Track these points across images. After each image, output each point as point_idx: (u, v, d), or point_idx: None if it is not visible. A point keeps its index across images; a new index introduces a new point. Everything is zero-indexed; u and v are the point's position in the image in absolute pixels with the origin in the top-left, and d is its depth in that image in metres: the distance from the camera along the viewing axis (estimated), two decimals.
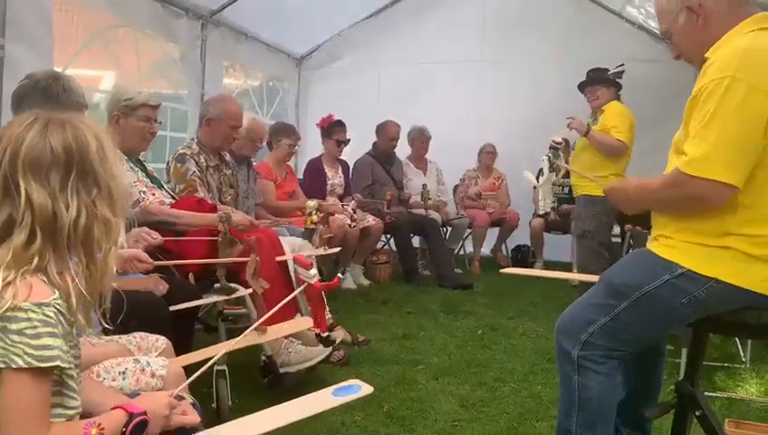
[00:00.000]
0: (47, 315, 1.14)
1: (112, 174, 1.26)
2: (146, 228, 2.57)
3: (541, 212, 2.58)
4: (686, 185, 1.72)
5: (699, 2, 1.82)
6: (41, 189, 1.18)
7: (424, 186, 6.04)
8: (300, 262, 1.85)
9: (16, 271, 1.15)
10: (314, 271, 1.83)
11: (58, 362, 1.14)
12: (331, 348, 3.28)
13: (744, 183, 1.69)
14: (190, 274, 2.76)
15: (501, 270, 2.82)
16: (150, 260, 2.21)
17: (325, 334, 1.96)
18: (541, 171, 2.53)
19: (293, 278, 3.40)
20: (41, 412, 1.14)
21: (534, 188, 2.56)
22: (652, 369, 2.21)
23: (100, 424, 1.22)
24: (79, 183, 1.21)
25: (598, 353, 1.92)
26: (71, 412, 1.22)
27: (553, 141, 2.56)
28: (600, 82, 4.57)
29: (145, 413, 1.28)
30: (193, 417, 1.43)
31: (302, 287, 1.87)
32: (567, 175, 5.64)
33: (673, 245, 1.84)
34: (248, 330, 2.00)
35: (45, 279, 1.18)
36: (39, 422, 1.13)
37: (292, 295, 1.89)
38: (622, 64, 4.66)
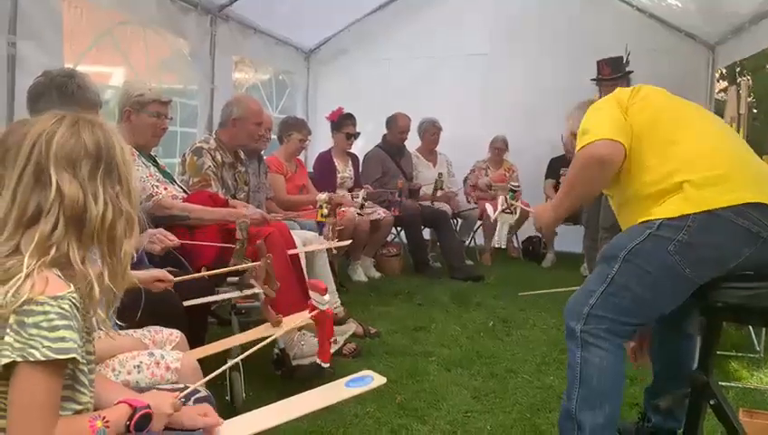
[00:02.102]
0: (63, 308, 1.15)
1: (130, 174, 1.30)
2: (162, 229, 2.58)
3: (495, 245, 2.68)
4: (582, 154, 2.01)
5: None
6: (73, 181, 1.22)
7: (439, 175, 6.02)
8: (314, 287, 1.85)
9: (37, 261, 1.17)
10: (328, 297, 1.83)
11: (74, 355, 1.15)
12: (343, 340, 3.31)
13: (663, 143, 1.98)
14: (203, 268, 2.77)
15: (520, 294, 2.90)
16: (172, 278, 2.21)
17: (326, 365, 1.96)
18: (498, 207, 2.66)
19: (305, 272, 3.42)
20: (52, 406, 1.16)
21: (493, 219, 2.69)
22: (678, 354, 2.22)
23: (104, 417, 1.23)
24: (105, 178, 1.25)
25: (602, 328, 1.94)
26: (80, 407, 1.24)
27: (512, 185, 2.70)
28: (624, 76, 4.60)
29: (149, 407, 1.30)
30: (215, 419, 1.44)
31: (313, 313, 1.86)
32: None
33: (641, 212, 1.97)
34: (264, 342, 2.00)
35: (59, 274, 1.19)
36: (49, 416, 1.15)
37: (311, 314, 1.89)
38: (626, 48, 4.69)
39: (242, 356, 1.81)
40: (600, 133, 1.98)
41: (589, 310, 1.95)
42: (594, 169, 2.01)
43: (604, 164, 1.98)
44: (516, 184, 2.76)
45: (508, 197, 2.63)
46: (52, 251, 1.19)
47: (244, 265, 2.66)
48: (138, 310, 2.00)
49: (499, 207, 2.60)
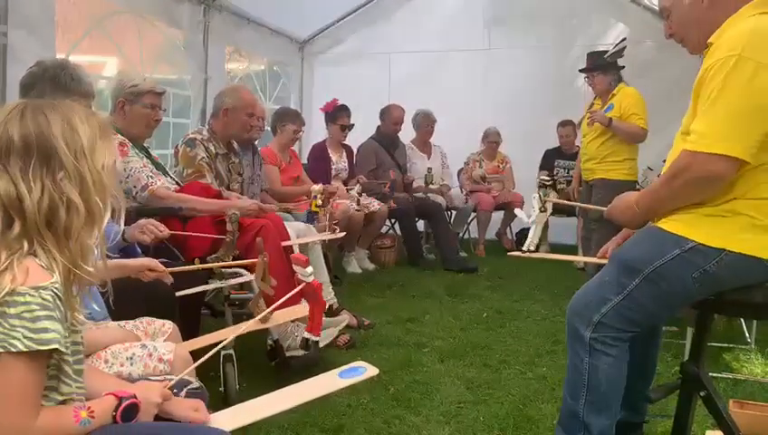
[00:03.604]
0: (44, 299, 1.15)
1: (83, 157, 1.24)
2: (153, 220, 2.57)
3: (524, 248, 2.51)
4: (694, 165, 1.73)
5: None
6: (3, 174, 1.19)
7: (429, 169, 6.02)
8: (296, 260, 1.85)
9: (8, 255, 1.16)
10: (311, 269, 1.83)
11: (56, 346, 1.15)
12: (337, 331, 3.32)
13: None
14: (196, 259, 2.77)
15: (508, 253, 2.78)
16: (163, 268, 2.20)
17: (316, 339, 1.92)
18: (533, 208, 2.49)
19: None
20: (34, 396, 1.15)
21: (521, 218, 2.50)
22: (648, 348, 2.21)
23: (89, 407, 1.23)
24: (42, 168, 1.21)
25: (610, 335, 1.92)
26: (62, 398, 1.24)
27: (542, 180, 2.52)
28: (596, 69, 4.57)
29: (135, 397, 1.30)
30: (204, 416, 1.44)
31: (302, 286, 1.86)
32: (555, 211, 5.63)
33: (678, 218, 1.85)
34: (257, 318, 2.01)
35: (42, 263, 1.18)
36: (30, 407, 1.14)
37: (295, 291, 1.89)
38: (623, 40, 4.63)
39: (230, 338, 1.80)
40: (723, 143, 1.67)
41: (600, 318, 1.92)
42: (706, 187, 1.76)
43: (716, 183, 1.73)
44: (546, 178, 2.59)
45: (541, 193, 2.45)
46: (26, 244, 1.18)
47: (241, 263, 2.66)
48: (131, 302, 2.01)
49: (535, 207, 2.45)
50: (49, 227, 1.20)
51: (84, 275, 1.24)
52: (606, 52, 4.64)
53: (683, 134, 1.85)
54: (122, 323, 1.98)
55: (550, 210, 2.47)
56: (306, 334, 1.85)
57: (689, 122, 1.81)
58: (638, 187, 4.47)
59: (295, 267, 1.85)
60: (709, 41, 1.82)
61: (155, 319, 2.05)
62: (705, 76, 1.75)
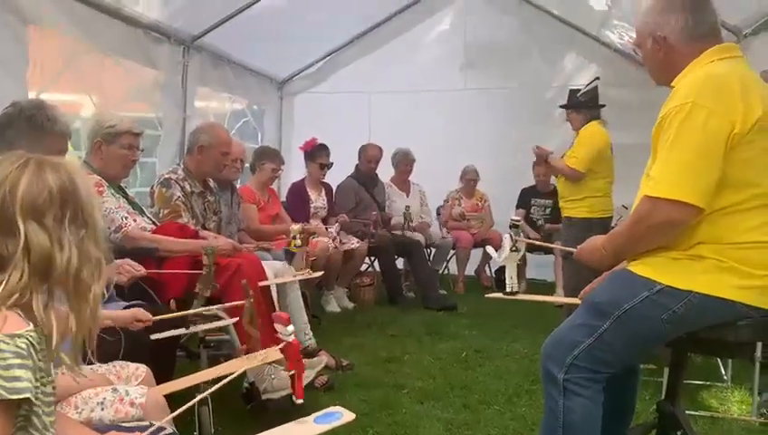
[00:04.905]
0: (19, 347, 1.12)
1: (96, 214, 1.27)
2: (129, 260, 2.55)
3: (508, 290, 2.52)
4: (654, 211, 1.78)
5: (664, 36, 1.94)
6: (40, 231, 1.19)
7: (407, 207, 6.06)
8: (278, 319, 1.83)
9: None
10: (291, 328, 1.81)
11: (28, 395, 1.12)
12: (314, 373, 3.27)
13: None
14: (171, 300, 2.74)
15: (486, 295, 2.79)
16: (150, 316, 2.18)
17: (299, 401, 1.88)
18: (503, 248, 2.51)
19: (276, 304, 3.39)
20: None
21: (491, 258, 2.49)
22: (626, 388, 2.21)
23: None
24: (72, 224, 1.22)
25: (583, 377, 1.93)
26: None
27: (512, 220, 2.55)
28: (569, 108, 4.68)
29: None
30: None
31: (282, 345, 1.85)
32: (530, 249, 5.66)
33: (647, 261, 1.89)
34: (233, 376, 1.97)
35: (21, 313, 1.17)
36: None
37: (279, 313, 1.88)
38: (596, 79, 4.72)
39: (210, 391, 1.77)
40: (680, 190, 1.74)
41: (572, 360, 1.93)
42: (665, 233, 1.81)
43: (673, 229, 1.80)
44: (517, 218, 2.62)
45: (512, 233, 2.46)
46: (15, 296, 1.17)
47: (225, 305, 2.63)
48: (105, 345, 1.97)
49: (507, 247, 2.45)
50: (74, 284, 1.22)
51: (95, 326, 1.27)
52: (579, 90, 4.74)
53: (647, 177, 1.91)
54: (95, 366, 1.94)
55: (523, 250, 2.48)
56: (293, 397, 1.83)
57: (652, 165, 1.87)
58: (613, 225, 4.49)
59: (276, 326, 1.83)
60: (672, 84, 1.91)
61: (128, 363, 2.02)
62: (663, 122, 1.82)
